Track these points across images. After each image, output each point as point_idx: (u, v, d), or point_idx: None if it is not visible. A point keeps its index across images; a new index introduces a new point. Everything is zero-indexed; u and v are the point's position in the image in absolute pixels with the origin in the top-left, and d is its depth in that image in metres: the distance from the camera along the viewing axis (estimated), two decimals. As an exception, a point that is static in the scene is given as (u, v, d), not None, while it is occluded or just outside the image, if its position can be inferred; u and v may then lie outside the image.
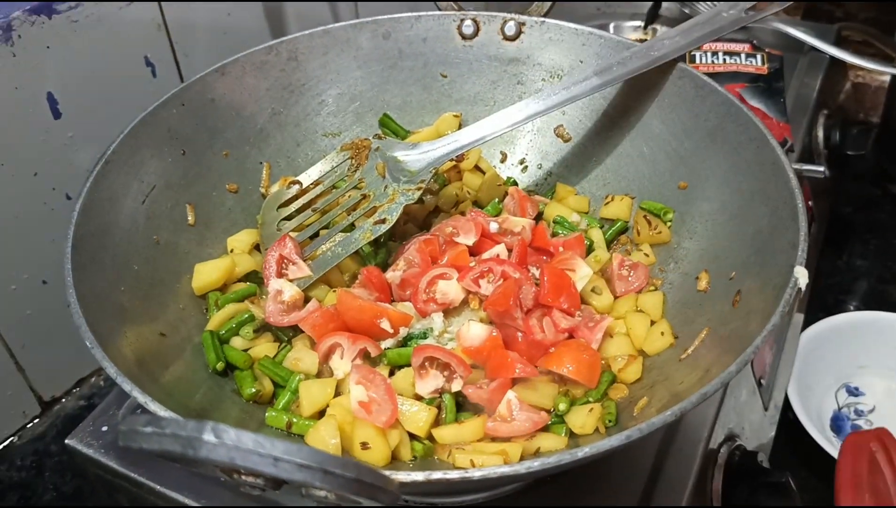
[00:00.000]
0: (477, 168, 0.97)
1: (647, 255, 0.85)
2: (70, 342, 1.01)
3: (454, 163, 0.96)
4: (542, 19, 0.94)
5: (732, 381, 0.59)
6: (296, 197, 0.89)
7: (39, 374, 1.01)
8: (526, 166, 0.99)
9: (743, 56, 1.24)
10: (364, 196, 0.85)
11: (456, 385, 0.71)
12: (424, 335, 0.75)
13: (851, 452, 0.67)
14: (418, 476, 0.51)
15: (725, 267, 0.76)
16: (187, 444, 0.40)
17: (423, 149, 0.84)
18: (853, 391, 1.16)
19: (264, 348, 0.77)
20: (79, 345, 0.61)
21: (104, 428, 0.80)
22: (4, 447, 1.00)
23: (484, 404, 0.70)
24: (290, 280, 0.80)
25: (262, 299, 0.82)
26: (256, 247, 0.88)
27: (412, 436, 0.69)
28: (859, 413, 1.13)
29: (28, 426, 1.02)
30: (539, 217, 0.92)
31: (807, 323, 1.19)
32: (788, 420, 1.07)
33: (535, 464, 0.52)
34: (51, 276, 0.98)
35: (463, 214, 0.89)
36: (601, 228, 0.90)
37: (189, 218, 0.85)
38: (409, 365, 0.73)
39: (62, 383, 1.05)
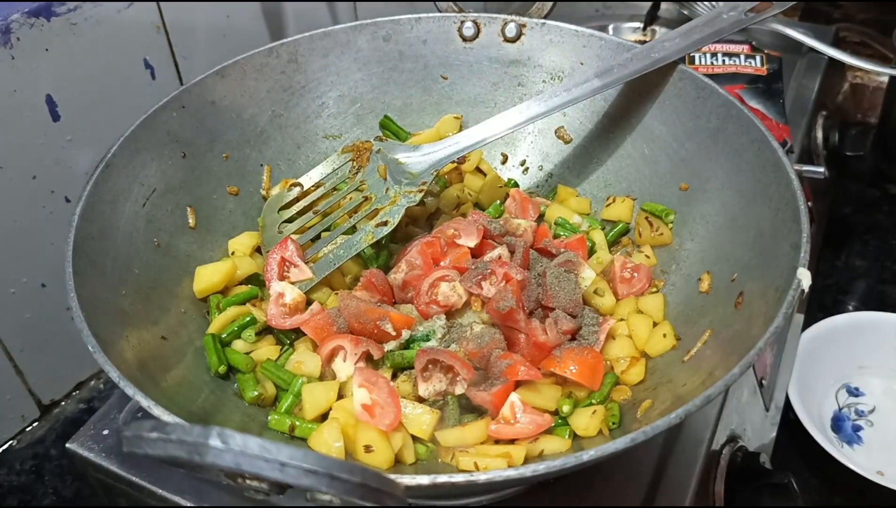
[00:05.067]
0: (478, 170, 0.97)
1: (648, 257, 0.85)
2: (69, 346, 1.01)
3: (455, 165, 0.96)
4: (543, 21, 0.94)
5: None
6: (297, 199, 0.89)
7: (38, 378, 1.01)
8: (527, 168, 0.99)
9: (742, 57, 1.24)
10: (365, 198, 0.84)
11: (459, 388, 0.71)
12: (427, 338, 0.75)
13: None
14: (424, 479, 0.51)
15: (727, 269, 0.76)
16: (193, 450, 0.39)
17: (424, 151, 0.84)
18: (853, 392, 1.16)
19: (266, 351, 0.77)
20: (78, 349, 0.60)
21: (105, 432, 0.80)
22: (4, 450, 1.00)
23: (487, 406, 0.70)
24: (292, 283, 0.80)
25: (263, 302, 0.81)
26: (258, 250, 0.87)
27: (415, 439, 0.69)
28: (860, 414, 1.14)
29: (27, 429, 1.02)
30: (540, 219, 0.92)
31: (806, 324, 1.19)
32: (789, 421, 1.08)
33: (540, 468, 0.52)
34: (50, 279, 0.97)
35: (464, 216, 0.89)
36: (603, 229, 0.90)
37: (190, 221, 0.85)
38: (412, 368, 0.73)
39: (61, 386, 1.05)
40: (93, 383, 1.08)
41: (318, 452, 0.42)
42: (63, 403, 1.05)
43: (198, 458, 0.40)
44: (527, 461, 0.66)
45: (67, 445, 0.79)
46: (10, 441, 1.01)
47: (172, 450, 0.40)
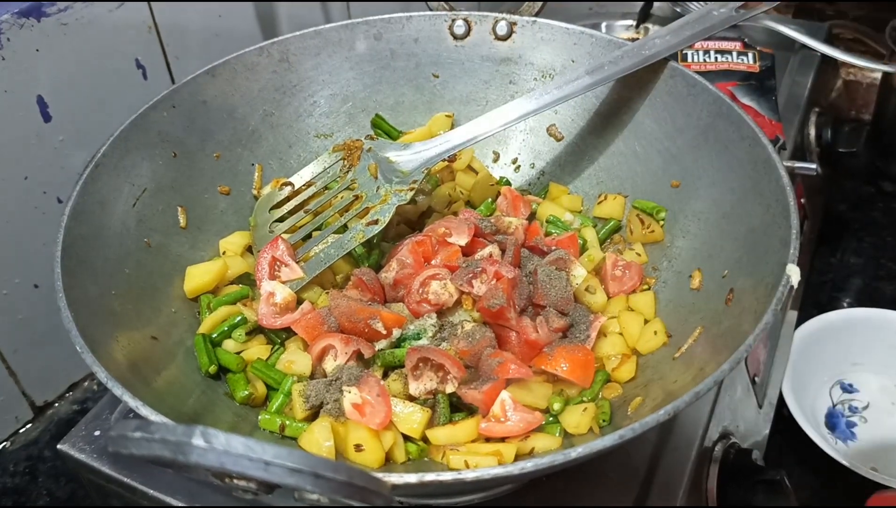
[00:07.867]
0: (469, 168, 0.97)
1: (639, 254, 0.85)
2: (63, 347, 1.00)
3: (447, 163, 0.96)
4: (534, 19, 0.94)
5: (727, 379, 0.59)
6: (288, 199, 0.89)
7: (32, 379, 1.01)
8: (518, 166, 0.99)
9: (734, 54, 1.24)
10: (356, 197, 0.84)
11: (450, 386, 0.71)
12: (418, 336, 0.75)
13: None
14: (411, 478, 0.51)
15: (718, 266, 0.76)
16: (177, 449, 0.39)
17: (415, 149, 0.84)
18: (847, 388, 1.16)
19: (257, 350, 0.77)
20: (71, 349, 0.60)
21: (97, 433, 0.80)
22: (-3, 452, 1.00)
23: (478, 404, 0.70)
24: (283, 282, 0.80)
25: (254, 302, 0.81)
26: (249, 249, 0.87)
27: (406, 437, 0.69)
28: (854, 410, 1.13)
29: (21, 431, 1.02)
30: (532, 217, 0.92)
31: (801, 320, 1.19)
32: (783, 418, 1.07)
33: (527, 465, 0.52)
34: (42, 280, 0.97)
35: (456, 214, 0.89)
36: (594, 227, 0.90)
37: (180, 221, 0.85)
38: (402, 366, 0.73)
39: (55, 387, 1.05)
40: (86, 384, 1.08)
41: (303, 451, 0.42)
42: (57, 404, 1.05)
43: (182, 457, 0.39)
44: (517, 458, 0.66)
45: (59, 446, 0.79)
46: (4, 443, 1.00)
47: (156, 449, 0.40)
